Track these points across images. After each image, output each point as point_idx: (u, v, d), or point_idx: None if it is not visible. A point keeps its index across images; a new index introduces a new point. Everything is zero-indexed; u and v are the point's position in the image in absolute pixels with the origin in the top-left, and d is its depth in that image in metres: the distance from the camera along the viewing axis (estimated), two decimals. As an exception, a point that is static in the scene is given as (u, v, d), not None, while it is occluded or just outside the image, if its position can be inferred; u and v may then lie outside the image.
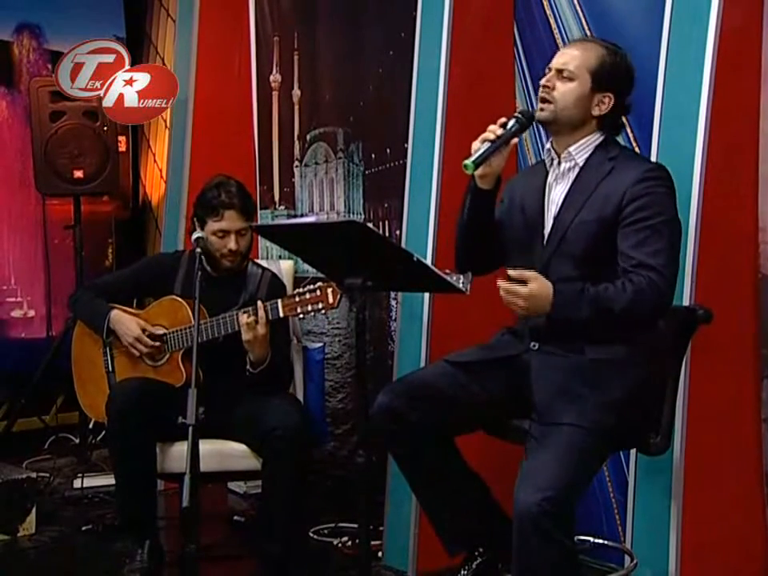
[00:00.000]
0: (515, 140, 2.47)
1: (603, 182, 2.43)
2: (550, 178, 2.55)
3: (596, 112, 2.48)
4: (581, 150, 2.50)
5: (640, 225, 2.34)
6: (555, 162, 2.54)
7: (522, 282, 2.30)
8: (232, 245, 3.15)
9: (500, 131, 2.45)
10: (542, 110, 2.49)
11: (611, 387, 2.34)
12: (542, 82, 2.51)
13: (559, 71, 2.48)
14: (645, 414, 2.44)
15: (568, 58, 2.49)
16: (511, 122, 2.47)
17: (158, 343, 3.16)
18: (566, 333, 2.39)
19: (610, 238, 2.38)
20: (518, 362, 2.50)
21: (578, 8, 3.18)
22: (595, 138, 2.50)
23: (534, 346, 2.48)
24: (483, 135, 2.45)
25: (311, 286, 2.88)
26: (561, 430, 2.29)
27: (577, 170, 2.49)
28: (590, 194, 2.43)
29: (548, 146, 2.58)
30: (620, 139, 2.99)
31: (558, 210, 2.49)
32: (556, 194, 2.51)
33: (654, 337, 2.46)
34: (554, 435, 2.29)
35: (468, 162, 2.41)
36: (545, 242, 2.48)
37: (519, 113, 2.49)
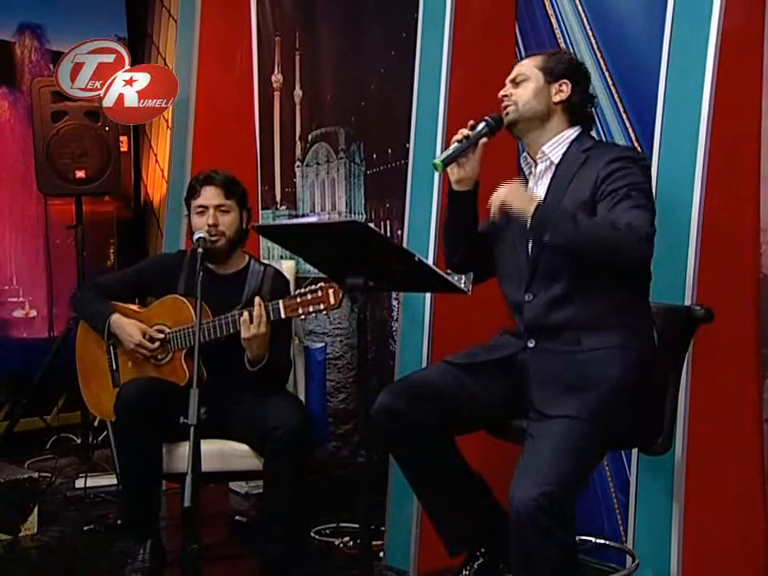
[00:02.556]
0: (484, 140, 2.55)
1: (579, 171, 2.46)
2: (530, 183, 2.58)
3: (557, 99, 2.54)
4: (554, 147, 2.53)
5: (612, 195, 2.36)
6: (532, 168, 2.58)
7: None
8: (210, 219, 3.17)
9: (468, 132, 2.54)
10: (506, 114, 2.56)
11: (608, 375, 2.34)
12: (500, 94, 2.58)
13: (512, 80, 2.59)
14: (645, 404, 2.42)
15: (518, 68, 2.61)
16: (480, 125, 2.56)
17: (158, 344, 3.16)
18: (562, 325, 2.41)
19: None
20: (516, 361, 2.50)
21: (579, 8, 3.18)
22: (569, 134, 2.54)
23: (531, 343, 2.49)
24: (454, 137, 2.55)
25: (312, 287, 2.88)
26: (558, 422, 2.29)
27: (553, 168, 2.53)
28: (568, 184, 2.46)
29: (523, 154, 2.62)
30: (621, 139, 3.00)
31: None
32: (536, 194, 2.52)
33: (650, 323, 2.47)
34: (551, 428, 2.29)
35: (436, 160, 2.52)
36: (531, 240, 2.49)
37: (489, 116, 2.58)
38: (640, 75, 2.93)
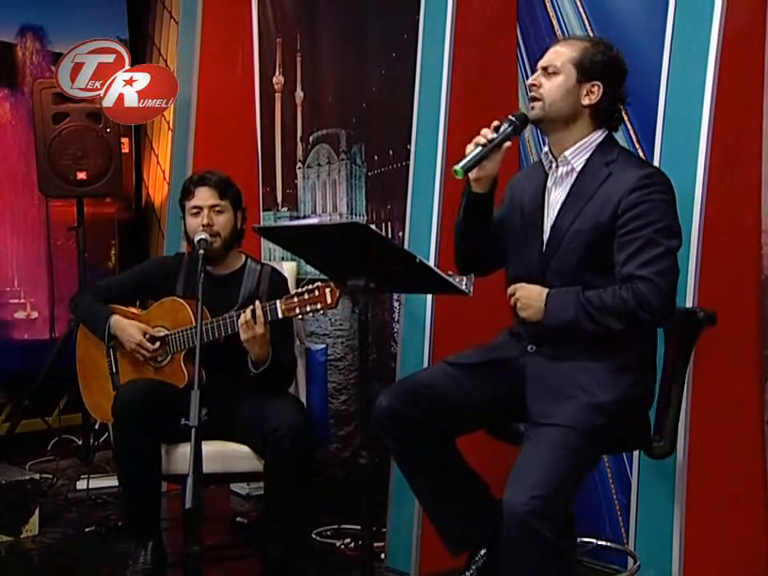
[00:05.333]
0: (508, 143, 2.44)
1: (600, 188, 2.39)
2: (549, 182, 2.52)
3: (586, 102, 2.44)
4: (578, 153, 2.45)
5: (634, 235, 2.32)
6: (554, 166, 2.51)
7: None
8: (204, 220, 3.16)
9: (491, 135, 2.43)
10: (532, 108, 2.47)
11: (603, 391, 2.33)
12: (529, 81, 2.50)
13: (545, 68, 2.47)
14: (638, 417, 2.44)
15: (553, 55, 2.48)
16: (504, 126, 2.44)
17: (158, 344, 3.16)
18: (562, 336, 2.39)
19: (605, 246, 2.36)
20: (515, 364, 2.49)
21: (580, 9, 3.18)
22: (594, 139, 2.46)
23: (532, 348, 2.48)
24: (476, 139, 2.44)
25: (309, 286, 2.88)
26: (551, 430, 2.29)
27: (574, 175, 2.46)
28: (587, 201, 2.40)
29: (545, 149, 2.55)
30: (622, 140, 2.99)
31: (555, 216, 2.46)
32: (554, 198, 2.49)
33: (651, 344, 2.46)
34: (544, 436, 2.29)
35: (457, 167, 2.40)
36: (543, 248, 2.47)
37: (513, 115, 2.47)
38: (641, 75, 2.93)
